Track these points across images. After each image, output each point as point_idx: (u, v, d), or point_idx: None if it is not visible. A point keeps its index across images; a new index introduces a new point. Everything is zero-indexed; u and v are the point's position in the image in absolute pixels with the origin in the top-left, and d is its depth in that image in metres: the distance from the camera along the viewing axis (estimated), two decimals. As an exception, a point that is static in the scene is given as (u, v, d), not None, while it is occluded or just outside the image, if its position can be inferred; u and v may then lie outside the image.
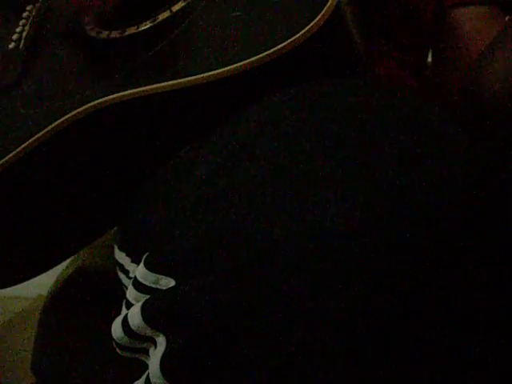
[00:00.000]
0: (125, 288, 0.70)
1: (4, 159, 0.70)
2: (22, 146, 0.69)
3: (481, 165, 0.61)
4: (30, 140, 0.69)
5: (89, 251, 1.01)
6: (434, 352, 0.55)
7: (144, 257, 0.62)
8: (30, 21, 0.82)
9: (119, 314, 0.63)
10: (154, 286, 0.60)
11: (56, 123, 0.68)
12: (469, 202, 0.58)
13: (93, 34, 0.76)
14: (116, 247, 0.73)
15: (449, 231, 0.57)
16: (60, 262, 0.83)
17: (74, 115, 0.67)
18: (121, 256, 0.71)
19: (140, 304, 0.60)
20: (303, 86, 0.63)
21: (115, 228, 0.78)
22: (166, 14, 0.72)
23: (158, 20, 0.72)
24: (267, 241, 0.55)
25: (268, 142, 0.59)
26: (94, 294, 0.96)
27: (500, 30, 0.82)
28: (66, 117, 0.68)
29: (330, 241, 0.54)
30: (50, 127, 0.68)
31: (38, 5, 0.84)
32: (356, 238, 0.54)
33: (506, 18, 0.81)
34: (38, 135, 0.68)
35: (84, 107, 0.67)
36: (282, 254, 0.55)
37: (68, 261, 1.01)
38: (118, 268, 0.72)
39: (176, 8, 0.72)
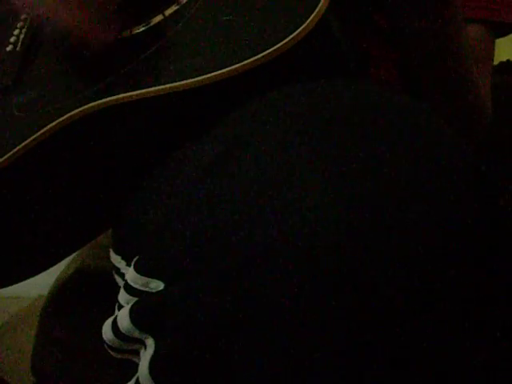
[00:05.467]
0: (120, 291, 0.70)
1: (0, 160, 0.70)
2: (17, 148, 0.69)
3: (476, 168, 0.61)
4: (25, 142, 0.69)
5: (89, 251, 1.01)
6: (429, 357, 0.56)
7: (134, 260, 0.63)
8: (27, 24, 0.82)
9: (116, 315, 0.64)
10: (143, 288, 0.60)
11: (50, 126, 0.68)
12: (462, 204, 0.58)
13: None
14: (111, 250, 0.73)
15: (443, 236, 0.57)
16: (58, 262, 0.83)
17: (68, 118, 0.68)
18: (116, 259, 0.71)
19: (128, 306, 0.60)
20: (295, 86, 0.63)
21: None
22: (159, 18, 0.72)
23: (151, 24, 0.72)
24: (257, 244, 0.55)
25: (259, 142, 0.59)
26: (93, 295, 0.96)
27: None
28: (60, 119, 0.68)
29: (323, 244, 0.54)
30: (44, 130, 0.68)
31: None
32: (348, 241, 0.54)
33: None
34: (33, 137, 0.69)
35: (78, 110, 0.68)
36: (272, 257, 0.55)
37: (68, 261, 1.02)
38: (113, 271, 0.73)
39: (169, 12, 0.72)
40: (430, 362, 0.55)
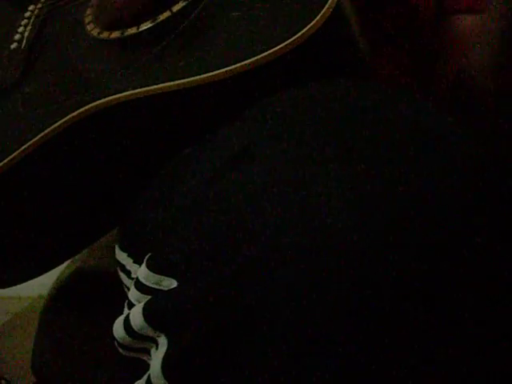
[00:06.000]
0: (126, 288, 0.70)
1: (5, 160, 0.70)
2: (23, 147, 0.69)
3: (482, 166, 0.61)
4: (31, 141, 0.69)
5: (89, 251, 1.01)
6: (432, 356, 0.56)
7: (146, 257, 0.62)
8: (32, 21, 0.82)
9: (120, 314, 0.63)
10: (156, 286, 0.60)
11: (57, 124, 0.68)
12: (469, 202, 0.58)
13: (94, 33, 0.76)
14: (117, 247, 0.73)
15: (450, 231, 0.56)
16: (61, 263, 0.83)
17: (75, 116, 0.68)
18: (122, 256, 0.71)
19: (141, 304, 0.60)
20: (304, 87, 0.63)
21: (116, 228, 0.78)
22: (167, 15, 0.72)
23: (159, 20, 0.72)
24: (269, 242, 0.55)
25: (269, 144, 0.59)
26: (94, 294, 0.96)
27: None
28: (67, 117, 0.68)
29: (332, 243, 0.54)
30: (51, 128, 0.68)
31: (40, 5, 0.84)
32: (358, 239, 0.54)
33: None
34: (39, 136, 0.68)
35: (85, 108, 0.67)
36: (284, 256, 0.55)
37: (68, 261, 1.01)
38: (118, 268, 0.72)
39: (176, 8, 0.72)
40: (430, 362, 0.55)
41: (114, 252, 0.74)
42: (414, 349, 0.55)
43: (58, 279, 1.02)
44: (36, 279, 0.84)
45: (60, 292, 0.99)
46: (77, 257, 1.01)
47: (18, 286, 0.84)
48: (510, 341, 0.58)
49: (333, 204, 0.55)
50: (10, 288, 0.85)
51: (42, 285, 1.04)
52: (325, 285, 0.54)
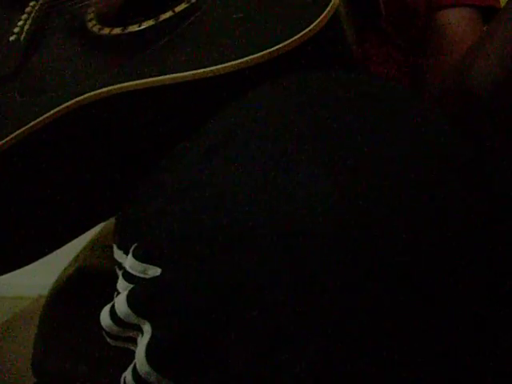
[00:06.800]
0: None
1: None
2: (16, 132, 0.69)
3: (471, 160, 0.61)
4: (24, 127, 0.69)
5: (89, 251, 1.01)
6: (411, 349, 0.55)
7: (132, 247, 0.63)
8: (32, 15, 0.83)
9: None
10: (141, 275, 0.60)
11: (51, 112, 0.69)
12: (461, 201, 0.58)
13: (95, 29, 0.77)
14: (115, 246, 0.73)
15: (434, 220, 0.57)
16: (55, 249, 0.82)
17: (69, 105, 0.68)
18: (118, 253, 0.71)
19: (126, 292, 0.60)
20: (289, 77, 0.63)
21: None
22: (169, 14, 0.73)
23: (160, 19, 0.73)
24: (249, 228, 0.55)
25: (251, 132, 0.60)
26: (93, 294, 0.95)
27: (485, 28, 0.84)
28: (62, 107, 0.68)
29: (310, 233, 0.54)
30: (44, 116, 0.69)
31: (41, 1, 0.85)
32: (336, 233, 0.54)
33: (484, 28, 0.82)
34: (33, 123, 0.69)
35: (79, 98, 0.68)
36: (264, 241, 0.55)
37: (69, 261, 1.02)
38: (116, 267, 0.72)
39: (179, 9, 0.73)
40: (428, 362, 0.55)
41: (113, 251, 0.74)
42: (404, 346, 0.55)
43: (58, 279, 1.02)
44: (36, 279, 0.83)
45: (60, 292, 0.99)
46: (77, 256, 1.02)
47: (19, 286, 0.84)
48: (509, 338, 0.58)
49: (319, 192, 0.55)
50: (10, 288, 0.85)
51: (42, 285, 1.05)
52: (302, 270, 0.54)
